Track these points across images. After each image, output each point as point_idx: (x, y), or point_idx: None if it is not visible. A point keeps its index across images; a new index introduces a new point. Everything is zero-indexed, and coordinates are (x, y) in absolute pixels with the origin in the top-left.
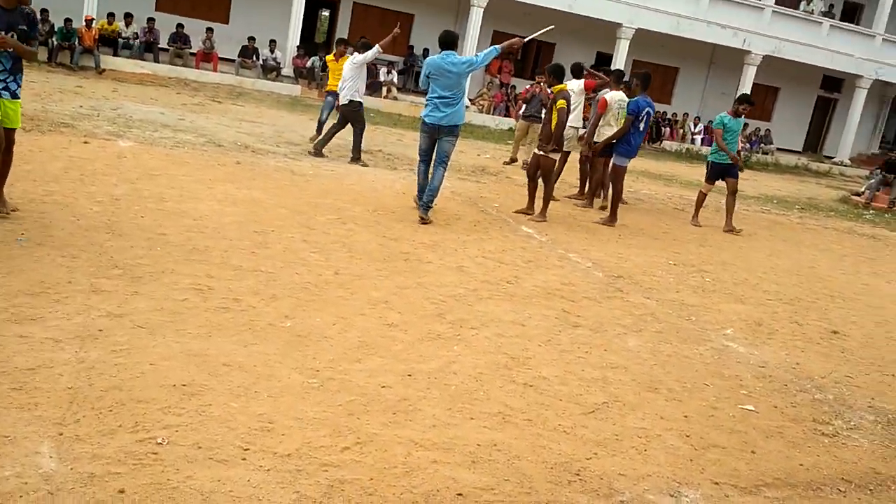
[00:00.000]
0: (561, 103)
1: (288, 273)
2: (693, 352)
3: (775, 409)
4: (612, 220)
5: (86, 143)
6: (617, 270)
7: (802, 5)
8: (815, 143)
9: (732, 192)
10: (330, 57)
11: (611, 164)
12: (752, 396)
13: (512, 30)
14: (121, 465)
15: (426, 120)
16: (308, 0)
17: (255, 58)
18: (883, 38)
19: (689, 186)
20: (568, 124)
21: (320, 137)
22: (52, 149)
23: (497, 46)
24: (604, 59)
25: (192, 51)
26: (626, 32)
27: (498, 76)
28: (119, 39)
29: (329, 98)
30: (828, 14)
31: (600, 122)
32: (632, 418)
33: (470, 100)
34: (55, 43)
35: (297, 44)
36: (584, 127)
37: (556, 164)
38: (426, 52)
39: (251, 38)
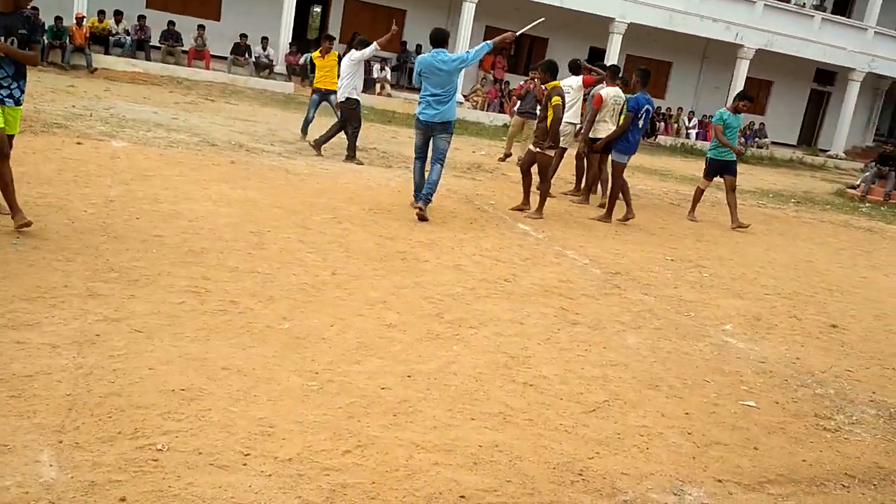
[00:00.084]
0: (556, 100)
1: (285, 274)
2: (693, 348)
3: (776, 405)
4: (608, 216)
5: (79, 143)
6: (614, 267)
7: None
8: (809, 136)
9: (731, 189)
10: (316, 54)
11: (609, 161)
12: (753, 392)
13: (504, 25)
14: (121, 472)
15: (420, 117)
16: None
17: (247, 55)
18: (875, 31)
19: (684, 181)
20: (565, 120)
21: (322, 134)
22: (45, 150)
23: (489, 42)
24: (597, 54)
25: (183, 48)
26: (619, 27)
27: (492, 72)
28: (110, 37)
29: (314, 96)
30: (819, 7)
31: (596, 118)
32: (633, 416)
33: (464, 96)
34: (46, 42)
35: (290, 40)
36: (581, 123)
37: (555, 161)
38: (419, 48)
39: (243, 36)
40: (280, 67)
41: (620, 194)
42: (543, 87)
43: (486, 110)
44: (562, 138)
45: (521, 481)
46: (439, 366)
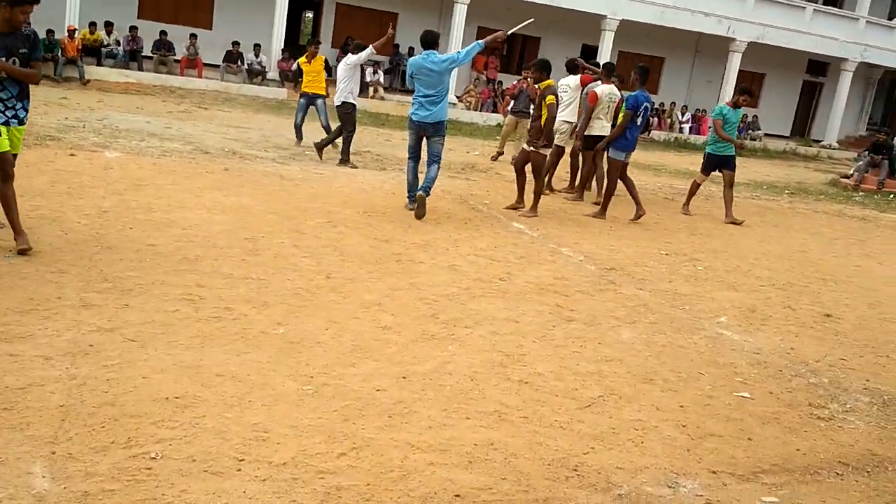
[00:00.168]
0: (550, 99)
1: (279, 279)
2: (687, 341)
3: (771, 395)
4: (602, 213)
5: (72, 155)
6: (609, 263)
7: None
8: (802, 127)
9: (729, 185)
10: (302, 59)
11: (606, 158)
12: (748, 383)
13: (496, 25)
14: (115, 481)
15: (413, 118)
16: (291, 2)
17: (239, 62)
18: (866, 21)
19: (678, 175)
20: (562, 119)
21: (324, 138)
22: (38, 162)
23: (480, 42)
24: (589, 52)
25: (176, 58)
26: (611, 24)
27: (484, 72)
28: (102, 49)
29: (302, 100)
30: None
31: (591, 116)
32: (628, 411)
33: (457, 97)
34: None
35: (282, 47)
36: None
37: (550, 159)
38: (411, 51)
39: (235, 43)
40: (273, 74)
41: (628, 193)
42: (537, 86)
43: (480, 110)
44: (559, 136)
45: (515, 478)
46: (434, 366)
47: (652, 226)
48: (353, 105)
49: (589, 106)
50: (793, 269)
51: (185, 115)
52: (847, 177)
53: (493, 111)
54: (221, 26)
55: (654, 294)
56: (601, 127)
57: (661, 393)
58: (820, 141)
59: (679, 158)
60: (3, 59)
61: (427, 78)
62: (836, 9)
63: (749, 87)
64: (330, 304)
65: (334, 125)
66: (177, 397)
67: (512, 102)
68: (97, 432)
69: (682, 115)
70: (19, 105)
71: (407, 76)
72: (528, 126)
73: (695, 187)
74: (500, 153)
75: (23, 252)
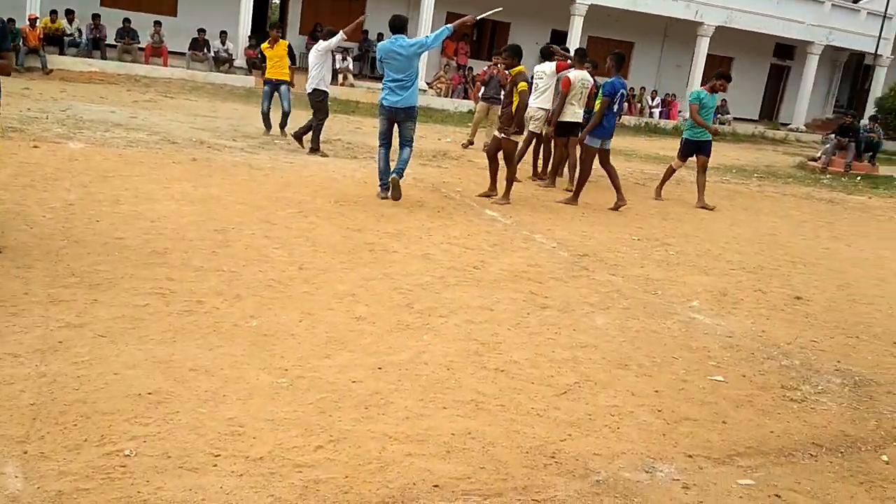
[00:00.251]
0: (523, 85)
1: (251, 271)
2: (661, 326)
3: (744, 378)
4: (574, 199)
5: (35, 147)
6: (582, 249)
7: None
8: (770, 110)
9: (703, 170)
10: (265, 45)
11: (580, 144)
12: (721, 367)
13: (465, 11)
14: (89, 480)
15: (383, 103)
16: None
17: (206, 50)
18: (832, 4)
19: (649, 161)
20: (538, 106)
21: (301, 126)
22: (0, 155)
23: (449, 26)
24: (559, 37)
25: (140, 46)
26: (580, 9)
27: (454, 58)
28: (64, 38)
29: (266, 87)
30: None
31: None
32: (603, 397)
33: (427, 83)
34: None
35: (249, 34)
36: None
37: (524, 146)
38: (380, 37)
39: (201, 31)
40: (240, 62)
41: (610, 182)
42: (507, 72)
43: (451, 97)
44: (535, 123)
45: (494, 467)
46: (410, 356)
47: (624, 211)
48: (325, 93)
49: (562, 91)
50: (763, 253)
51: (151, 104)
52: (815, 160)
53: (465, 97)
54: (186, 13)
55: (627, 279)
56: (573, 113)
57: (635, 378)
58: (788, 124)
59: (649, 143)
60: None
61: (395, 62)
62: None
63: (726, 72)
64: (303, 295)
65: (305, 114)
66: (149, 393)
67: (483, 89)
68: (69, 430)
69: (652, 99)
70: None
71: (377, 61)
72: (500, 112)
73: (669, 172)
74: (471, 142)
75: None
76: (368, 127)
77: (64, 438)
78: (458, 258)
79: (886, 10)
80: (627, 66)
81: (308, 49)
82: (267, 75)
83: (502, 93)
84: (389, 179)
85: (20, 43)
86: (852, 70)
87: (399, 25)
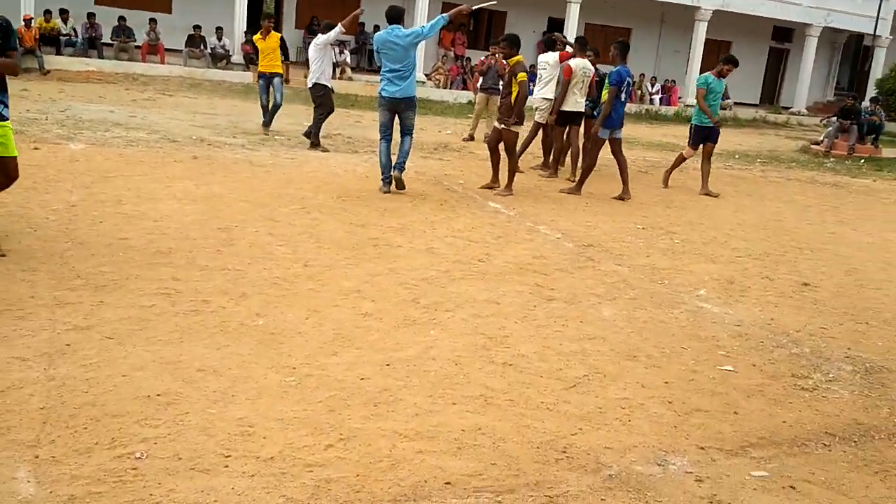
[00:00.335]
0: (522, 76)
1: (256, 269)
2: (668, 316)
3: (754, 368)
4: (578, 189)
5: (36, 149)
6: (586, 239)
7: None
8: (770, 94)
9: (708, 157)
10: (257, 36)
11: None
12: (731, 356)
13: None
14: (101, 483)
15: (383, 94)
16: None
17: (202, 47)
18: None
19: (651, 148)
20: (542, 96)
21: (308, 126)
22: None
23: (444, 15)
24: (556, 25)
25: (136, 44)
26: None
27: (452, 49)
28: (61, 37)
29: (261, 81)
30: None
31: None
32: (613, 389)
33: (426, 75)
34: None
35: (245, 29)
36: None
37: (530, 136)
38: (377, 29)
39: (197, 27)
40: (237, 57)
41: (619, 172)
42: (505, 62)
43: (450, 88)
44: (540, 113)
45: (505, 463)
46: (418, 352)
47: (627, 200)
48: (325, 87)
49: (564, 79)
50: (769, 239)
51: (150, 102)
52: (817, 143)
53: (463, 88)
54: (181, 10)
55: (633, 269)
56: (574, 102)
57: (645, 370)
58: (789, 108)
59: (651, 130)
60: None
61: (392, 52)
62: None
63: (733, 56)
64: (309, 292)
65: (303, 109)
66: (158, 395)
67: (481, 79)
68: (80, 434)
69: (652, 86)
70: None
71: (374, 51)
72: (499, 103)
73: (680, 160)
74: (472, 137)
75: None
76: (368, 120)
77: (74, 442)
78: (463, 251)
79: None
80: None
81: (306, 44)
82: (260, 69)
83: (501, 83)
84: (391, 177)
85: (16, 44)
86: (852, 52)
87: (395, 16)
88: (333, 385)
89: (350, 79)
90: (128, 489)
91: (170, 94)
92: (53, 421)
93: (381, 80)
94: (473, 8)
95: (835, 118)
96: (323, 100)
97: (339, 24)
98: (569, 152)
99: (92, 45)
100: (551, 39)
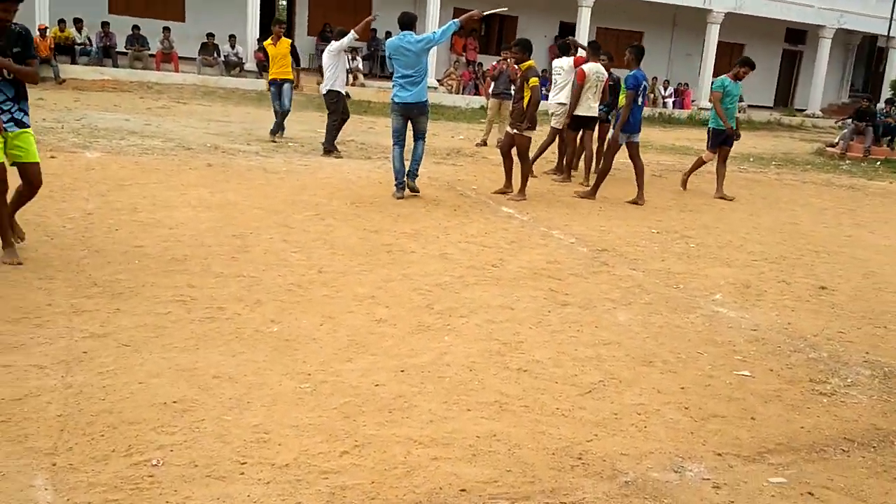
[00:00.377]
0: (534, 81)
1: (270, 276)
2: (684, 321)
3: (771, 373)
4: (592, 193)
5: (52, 157)
6: (601, 244)
7: None
8: (784, 97)
9: (724, 160)
10: (268, 42)
11: (608, 139)
12: (747, 361)
13: (472, 6)
14: (118, 491)
15: (396, 100)
16: None
17: (216, 54)
18: None
19: (664, 151)
20: (557, 101)
21: (326, 136)
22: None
23: (455, 21)
24: (567, 29)
25: (150, 52)
26: (588, 0)
27: (464, 54)
28: (76, 46)
29: (273, 89)
30: None
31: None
32: (629, 395)
33: (438, 80)
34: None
35: (258, 36)
36: None
37: (546, 141)
38: (388, 35)
39: (210, 35)
40: (250, 65)
41: (635, 175)
42: (517, 67)
43: (462, 93)
44: (556, 119)
45: (521, 470)
46: (432, 358)
47: (641, 205)
48: (339, 93)
49: (578, 84)
50: (785, 242)
51: (164, 110)
52: (833, 145)
53: (476, 93)
54: (194, 18)
55: (648, 274)
56: (588, 107)
57: (660, 375)
58: (803, 110)
59: (664, 134)
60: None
61: (404, 58)
62: None
63: (750, 59)
64: (323, 298)
65: (318, 115)
66: (174, 402)
67: (492, 84)
68: (97, 441)
69: (665, 89)
70: (15, 107)
71: (387, 58)
72: (511, 108)
73: (699, 163)
74: (485, 142)
75: (10, 263)
76: (381, 126)
77: (92, 449)
78: (477, 257)
79: None
80: None
81: (318, 51)
82: (271, 75)
83: (512, 88)
84: (405, 184)
85: None
86: (866, 53)
87: (408, 22)
88: (348, 391)
89: (363, 85)
90: (144, 497)
91: (184, 102)
92: (71, 428)
93: (394, 85)
94: (485, 13)
95: (850, 120)
96: (336, 106)
97: (353, 31)
98: (582, 156)
99: (106, 53)
100: (566, 44)
